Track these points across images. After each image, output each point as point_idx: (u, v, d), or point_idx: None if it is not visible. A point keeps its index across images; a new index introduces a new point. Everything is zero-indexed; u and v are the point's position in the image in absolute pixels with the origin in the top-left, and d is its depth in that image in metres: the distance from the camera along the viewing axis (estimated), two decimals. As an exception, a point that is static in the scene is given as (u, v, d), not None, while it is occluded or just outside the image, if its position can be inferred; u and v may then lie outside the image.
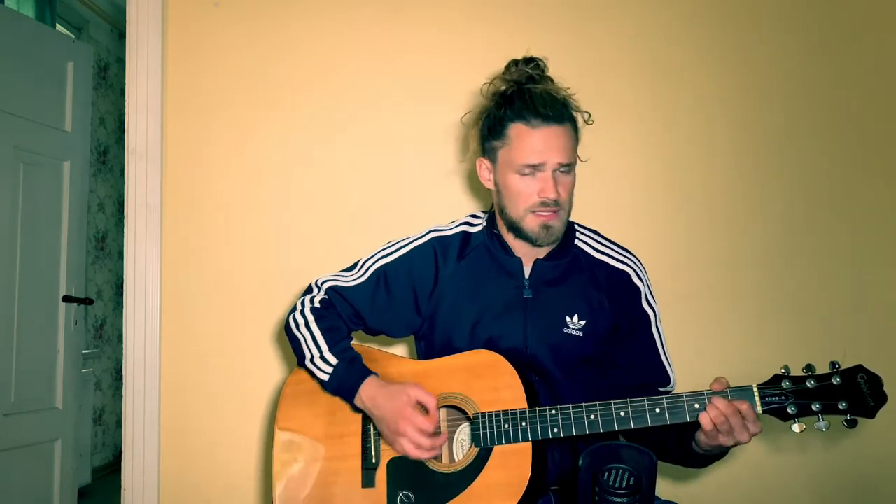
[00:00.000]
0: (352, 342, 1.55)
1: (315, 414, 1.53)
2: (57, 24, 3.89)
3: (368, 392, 1.45)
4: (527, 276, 1.53)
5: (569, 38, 2.19)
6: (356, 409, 1.49)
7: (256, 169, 2.24)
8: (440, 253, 1.57)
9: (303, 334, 1.53)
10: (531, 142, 1.43)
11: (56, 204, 3.15)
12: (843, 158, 2.18)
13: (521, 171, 1.45)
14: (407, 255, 1.58)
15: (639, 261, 1.59)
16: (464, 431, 1.47)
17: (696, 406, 1.32)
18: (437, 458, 1.45)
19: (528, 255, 1.53)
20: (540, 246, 1.50)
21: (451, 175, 2.19)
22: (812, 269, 2.16)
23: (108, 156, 4.75)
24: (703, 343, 2.13)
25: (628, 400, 1.35)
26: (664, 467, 1.34)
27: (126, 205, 2.24)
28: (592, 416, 1.36)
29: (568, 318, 1.51)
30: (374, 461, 1.46)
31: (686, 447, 1.40)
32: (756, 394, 1.31)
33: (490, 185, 1.55)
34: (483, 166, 1.55)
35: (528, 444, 1.38)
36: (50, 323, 3.09)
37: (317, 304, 1.57)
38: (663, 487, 1.44)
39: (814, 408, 1.28)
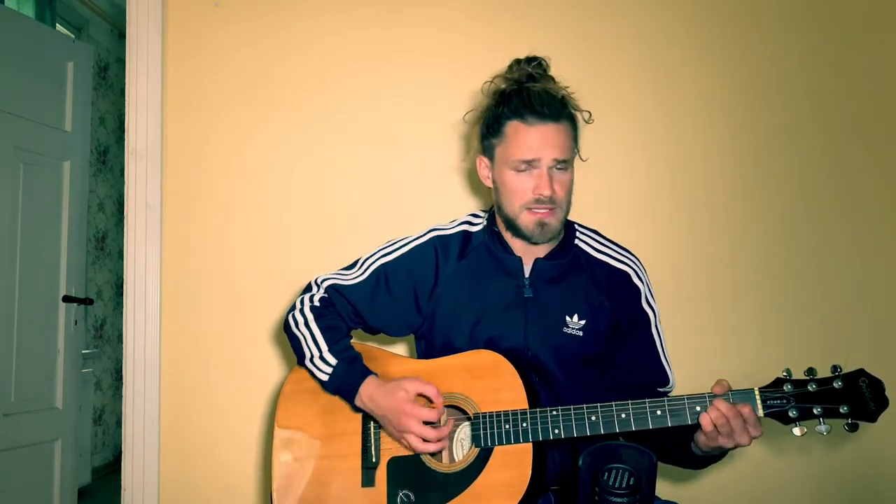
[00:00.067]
0: (351, 340, 1.55)
1: (315, 412, 1.52)
2: (57, 24, 3.89)
3: (368, 392, 1.44)
4: (527, 275, 1.53)
5: (569, 38, 2.19)
6: (357, 410, 1.49)
7: (256, 169, 2.24)
8: (441, 252, 1.57)
9: (302, 333, 1.53)
10: (527, 138, 1.43)
11: (56, 204, 3.15)
12: (843, 158, 2.18)
13: (517, 167, 1.44)
14: (407, 253, 1.58)
15: (639, 261, 1.59)
16: (464, 431, 1.47)
17: (698, 409, 1.31)
18: (438, 457, 1.45)
19: (527, 254, 1.53)
20: (536, 243, 1.50)
21: (451, 174, 2.19)
22: (812, 269, 2.16)
23: (108, 156, 4.75)
24: (704, 343, 2.13)
25: (629, 402, 1.34)
26: (664, 468, 1.34)
27: (126, 205, 2.24)
28: (593, 418, 1.35)
29: (568, 318, 1.50)
30: (374, 460, 1.46)
31: (684, 448, 1.40)
32: (758, 397, 1.30)
33: (489, 183, 1.55)
34: (482, 164, 1.55)
35: (529, 445, 1.38)
36: (50, 323, 3.09)
37: (316, 303, 1.56)
38: (663, 487, 1.43)
39: (815, 411, 1.28)
